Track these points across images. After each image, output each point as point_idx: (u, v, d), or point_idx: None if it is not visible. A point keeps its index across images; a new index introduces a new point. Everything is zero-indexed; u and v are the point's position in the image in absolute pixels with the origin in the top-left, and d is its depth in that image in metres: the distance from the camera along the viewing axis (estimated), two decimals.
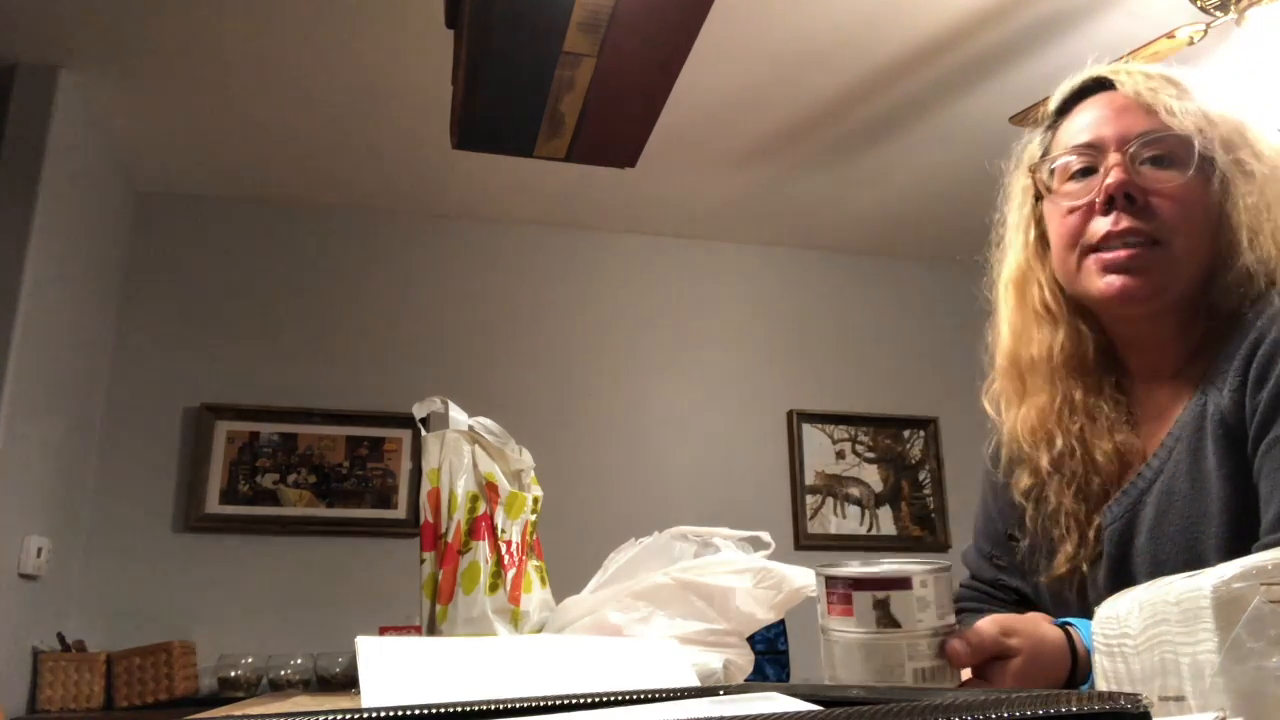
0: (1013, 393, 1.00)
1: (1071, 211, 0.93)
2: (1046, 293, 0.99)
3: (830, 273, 4.06)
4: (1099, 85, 0.97)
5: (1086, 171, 0.94)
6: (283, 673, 2.97)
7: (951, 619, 0.68)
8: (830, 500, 3.79)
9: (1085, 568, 0.92)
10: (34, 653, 2.76)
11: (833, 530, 3.74)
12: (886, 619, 0.66)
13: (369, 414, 3.42)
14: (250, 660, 2.98)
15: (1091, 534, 0.92)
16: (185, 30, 2.64)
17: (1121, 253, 0.89)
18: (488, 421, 1.25)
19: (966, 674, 0.71)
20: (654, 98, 1.87)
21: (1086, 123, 0.95)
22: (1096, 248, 0.91)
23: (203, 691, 2.99)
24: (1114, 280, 0.90)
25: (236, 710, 1.01)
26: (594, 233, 3.87)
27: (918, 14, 2.64)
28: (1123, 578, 0.87)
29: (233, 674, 2.96)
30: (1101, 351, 0.98)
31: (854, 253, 4.09)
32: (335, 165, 3.37)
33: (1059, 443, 0.95)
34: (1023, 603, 1.04)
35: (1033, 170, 1.00)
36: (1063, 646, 0.73)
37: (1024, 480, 0.99)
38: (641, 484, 3.58)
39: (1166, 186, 0.89)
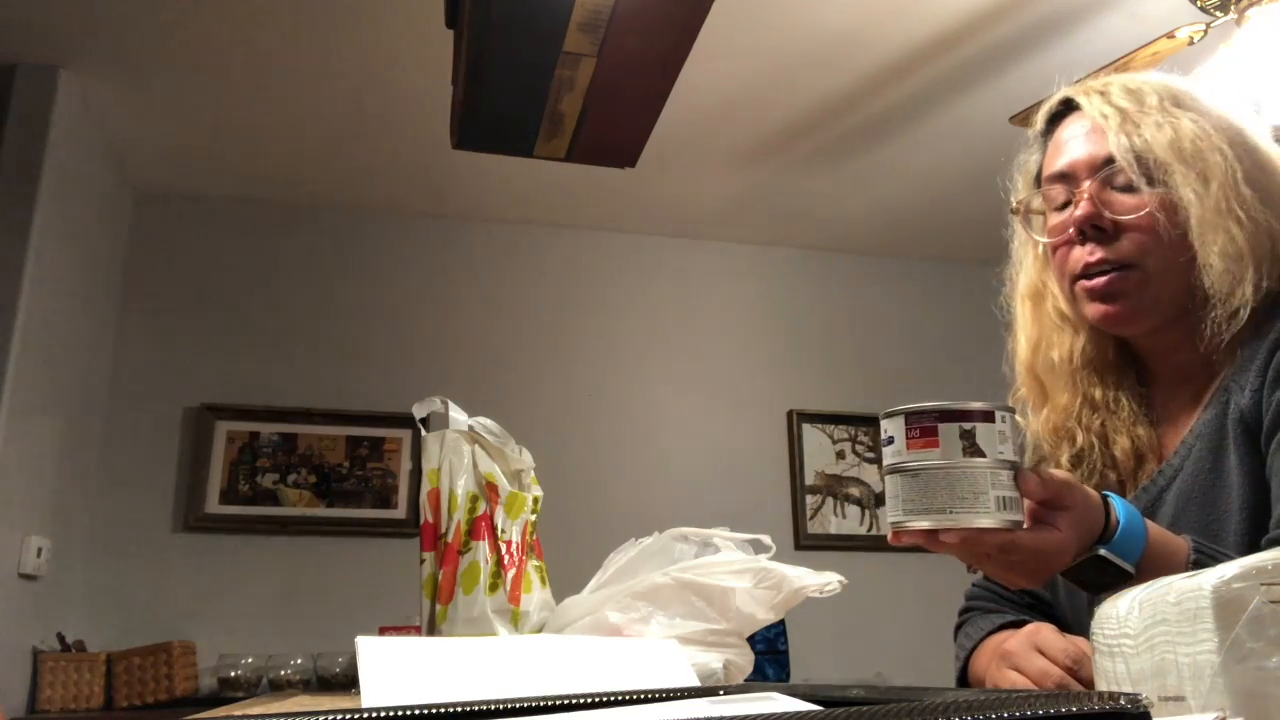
0: (1034, 398, 1.04)
1: (1056, 248, 0.99)
2: (1062, 302, 1.02)
3: (830, 273, 4.06)
4: (1069, 104, 1.02)
5: (1066, 204, 0.98)
6: (283, 673, 2.97)
7: (1017, 457, 0.72)
8: (830, 500, 3.79)
9: None
10: (34, 653, 2.76)
11: (833, 530, 3.74)
12: (972, 449, 0.69)
13: (369, 414, 3.42)
14: (250, 660, 2.98)
15: None
16: (185, 30, 2.64)
17: (1099, 281, 0.95)
18: (488, 421, 1.25)
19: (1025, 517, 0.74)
20: (654, 98, 1.87)
21: (1061, 147, 1.00)
22: (1080, 275, 0.96)
23: (203, 691, 2.99)
24: (1099, 307, 0.95)
25: (236, 710, 1.01)
26: (594, 233, 3.87)
27: (918, 14, 2.64)
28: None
29: (233, 674, 2.96)
30: (1122, 352, 1.02)
31: (854, 253, 4.09)
32: (335, 165, 3.37)
33: (1079, 439, 0.98)
34: (1034, 605, 1.04)
35: (1015, 210, 1.05)
36: (1099, 514, 0.76)
37: None
38: (641, 484, 3.58)
39: (1132, 218, 0.93)
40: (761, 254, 4.02)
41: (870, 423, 3.89)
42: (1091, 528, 0.75)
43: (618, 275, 3.86)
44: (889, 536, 0.74)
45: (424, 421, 1.23)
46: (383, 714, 0.44)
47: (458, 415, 1.23)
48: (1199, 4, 2.21)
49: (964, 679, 1.03)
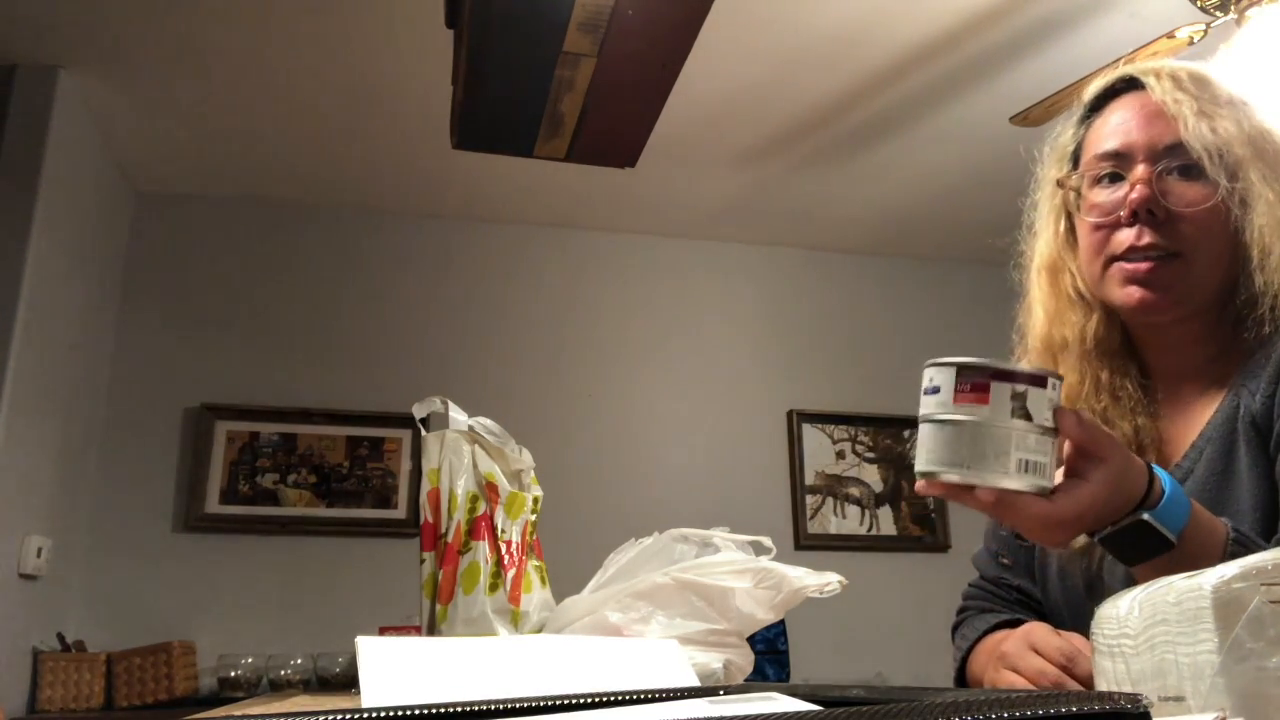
0: None
1: (1099, 227, 0.96)
2: (1079, 280, 1.01)
3: (830, 273, 4.06)
4: (1131, 84, 0.98)
5: (1114, 178, 0.96)
6: (283, 673, 2.97)
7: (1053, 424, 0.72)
8: (830, 500, 3.79)
9: (1097, 551, 0.93)
10: (34, 653, 2.76)
11: (833, 530, 3.74)
12: (1021, 411, 0.70)
13: (369, 414, 3.42)
14: (250, 660, 2.98)
15: None
16: (185, 30, 2.64)
17: (1142, 265, 0.92)
18: (488, 421, 1.25)
19: (1059, 477, 0.73)
20: (654, 98, 1.87)
21: (1116, 126, 0.97)
22: (1120, 257, 0.94)
23: (203, 691, 2.99)
24: (1134, 291, 0.93)
25: (236, 710, 1.01)
26: (594, 233, 3.87)
27: (918, 14, 2.64)
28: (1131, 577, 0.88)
29: (233, 674, 2.96)
30: (1127, 339, 1.01)
31: (854, 253, 4.09)
32: (335, 165, 3.37)
33: None
34: (1024, 602, 1.05)
35: (1062, 183, 1.02)
36: (1141, 479, 0.75)
37: None
38: (641, 484, 3.58)
39: (1190, 210, 0.91)
40: (761, 254, 4.02)
41: (870, 423, 3.89)
42: (1130, 491, 0.73)
43: (618, 275, 3.86)
44: (917, 484, 0.74)
45: (424, 421, 1.23)
46: (383, 714, 0.44)
47: (458, 415, 1.23)
48: (1199, 4, 2.21)
49: (961, 679, 1.03)
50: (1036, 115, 2.45)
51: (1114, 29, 2.65)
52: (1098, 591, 0.91)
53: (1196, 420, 0.93)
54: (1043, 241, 1.05)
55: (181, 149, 3.26)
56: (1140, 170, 0.92)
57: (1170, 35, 2.21)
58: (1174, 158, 0.91)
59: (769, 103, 3.05)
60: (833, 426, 3.87)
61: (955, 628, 1.08)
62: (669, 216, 3.79)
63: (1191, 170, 0.91)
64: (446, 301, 3.65)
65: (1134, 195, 0.91)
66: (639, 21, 1.62)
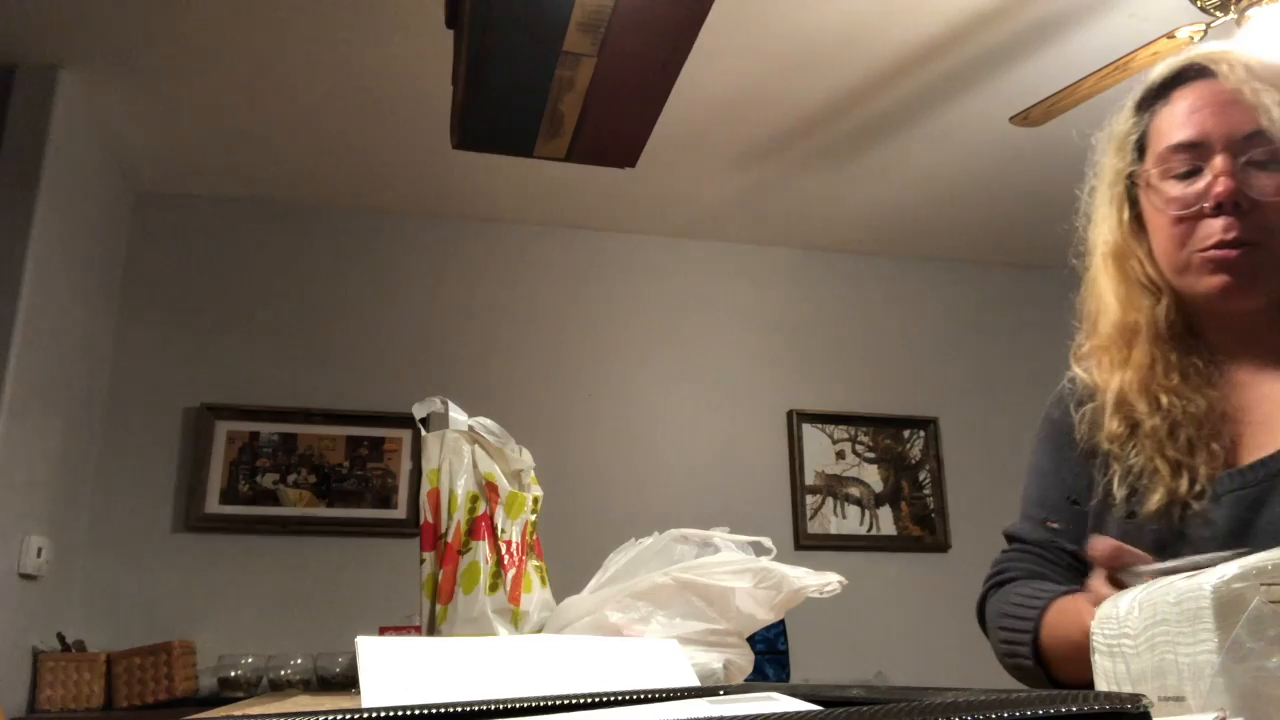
0: (1116, 356, 1.04)
1: (1179, 220, 0.96)
2: (1148, 267, 1.02)
3: (830, 273, 4.06)
4: (1200, 71, 0.98)
5: (1191, 173, 0.96)
6: (283, 673, 2.97)
7: None
8: (830, 500, 3.79)
9: (1178, 513, 0.94)
10: (34, 653, 2.76)
11: (833, 530, 3.74)
12: None
13: (369, 414, 3.42)
14: (250, 660, 2.98)
15: (1185, 481, 0.95)
16: (185, 30, 2.64)
17: (1231, 253, 0.93)
18: (488, 421, 1.25)
19: None
20: (654, 98, 1.87)
21: (1188, 115, 0.97)
22: (1205, 249, 0.95)
23: (203, 691, 2.99)
24: (1221, 278, 0.94)
25: (236, 710, 1.01)
26: (594, 233, 3.87)
27: (917, 14, 2.64)
28: (1239, 542, 0.89)
29: (233, 674, 2.96)
30: (1191, 319, 1.03)
31: (854, 253, 4.09)
32: (335, 165, 3.37)
33: (1163, 399, 0.99)
34: (1076, 567, 1.04)
35: (1133, 176, 1.02)
36: None
37: (1115, 427, 1.02)
38: (641, 484, 3.58)
39: (1274, 200, 0.92)
40: (761, 254, 4.02)
41: (870, 423, 3.89)
42: None
43: (618, 275, 3.86)
44: None
45: (424, 421, 1.23)
46: (383, 714, 0.44)
47: (458, 415, 1.23)
48: (1199, 4, 2.21)
49: (1036, 641, 0.97)
50: (1036, 115, 2.46)
51: (1114, 29, 2.65)
52: (1174, 555, 0.91)
53: (1266, 394, 0.95)
54: (1106, 229, 1.06)
55: (181, 149, 3.26)
56: (1220, 161, 0.93)
57: (1170, 35, 2.21)
58: (1254, 147, 0.92)
59: (769, 103, 3.05)
60: (833, 426, 3.87)
61: (999, 584, 1.06)
62: (669, 216, 3.79)
63: (1270, 163, 0.92)
64: (446, 301, 3.65)
65: (1219, 188, 0.92)
66: (639, 21, 1.62)
